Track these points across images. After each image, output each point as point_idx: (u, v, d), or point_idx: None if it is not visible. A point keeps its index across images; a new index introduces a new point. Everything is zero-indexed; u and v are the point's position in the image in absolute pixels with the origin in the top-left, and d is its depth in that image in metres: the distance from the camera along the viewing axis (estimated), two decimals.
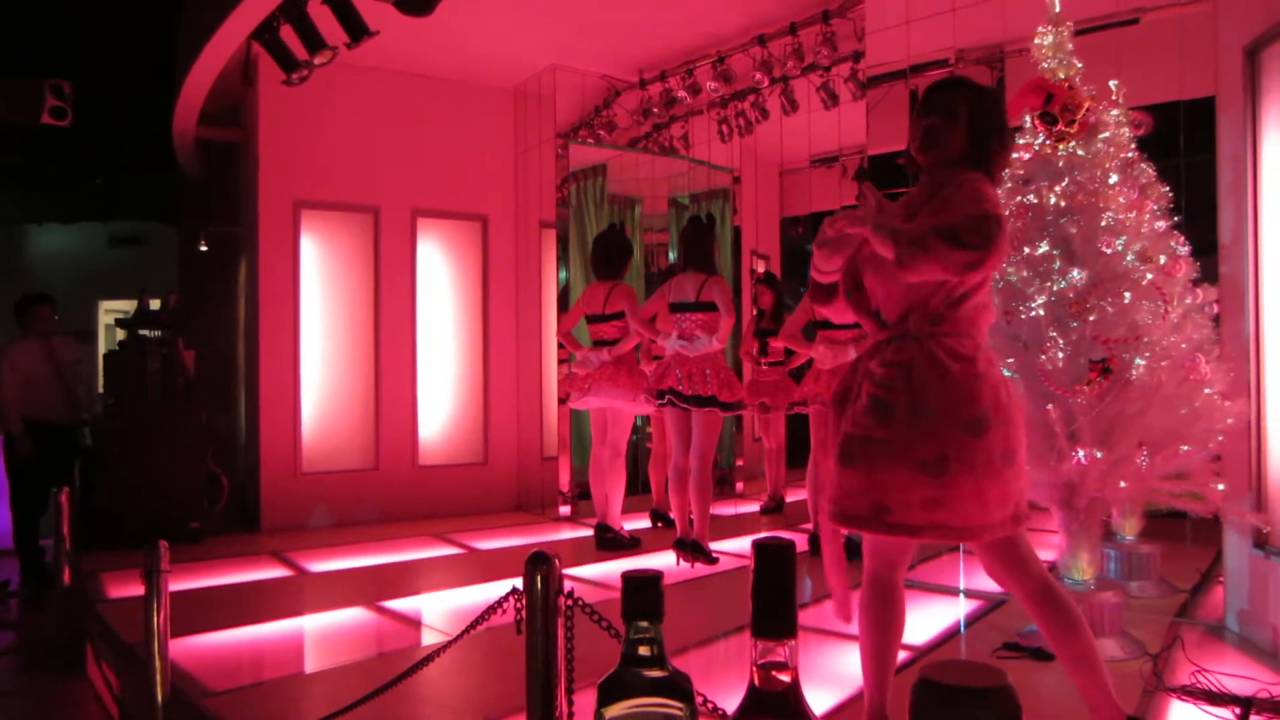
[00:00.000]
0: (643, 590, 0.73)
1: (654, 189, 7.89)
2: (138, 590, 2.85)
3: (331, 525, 6.57)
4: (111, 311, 12.02)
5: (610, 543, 5.56)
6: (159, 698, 2.83)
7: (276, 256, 6.61)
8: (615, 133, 7.69)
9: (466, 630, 2.05)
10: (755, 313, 6.78)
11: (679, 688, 0.73)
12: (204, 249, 8.29)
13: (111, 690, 3.55)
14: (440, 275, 7.24)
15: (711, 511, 5.17)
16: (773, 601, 0.73)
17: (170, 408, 6.10)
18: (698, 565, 5.02)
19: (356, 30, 5.02)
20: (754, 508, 7.13)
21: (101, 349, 11.11)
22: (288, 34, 5.28)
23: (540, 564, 1.72)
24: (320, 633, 4.18)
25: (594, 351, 5.53)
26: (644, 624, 0.74)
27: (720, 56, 6.67)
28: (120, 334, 6.39)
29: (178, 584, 4.67)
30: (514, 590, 1.80)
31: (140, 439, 5.88)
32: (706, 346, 4.96)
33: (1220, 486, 3.41)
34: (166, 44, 7.57)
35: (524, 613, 1.72)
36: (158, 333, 6.24)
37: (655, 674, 0.73)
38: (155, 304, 6.76)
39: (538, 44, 6.66)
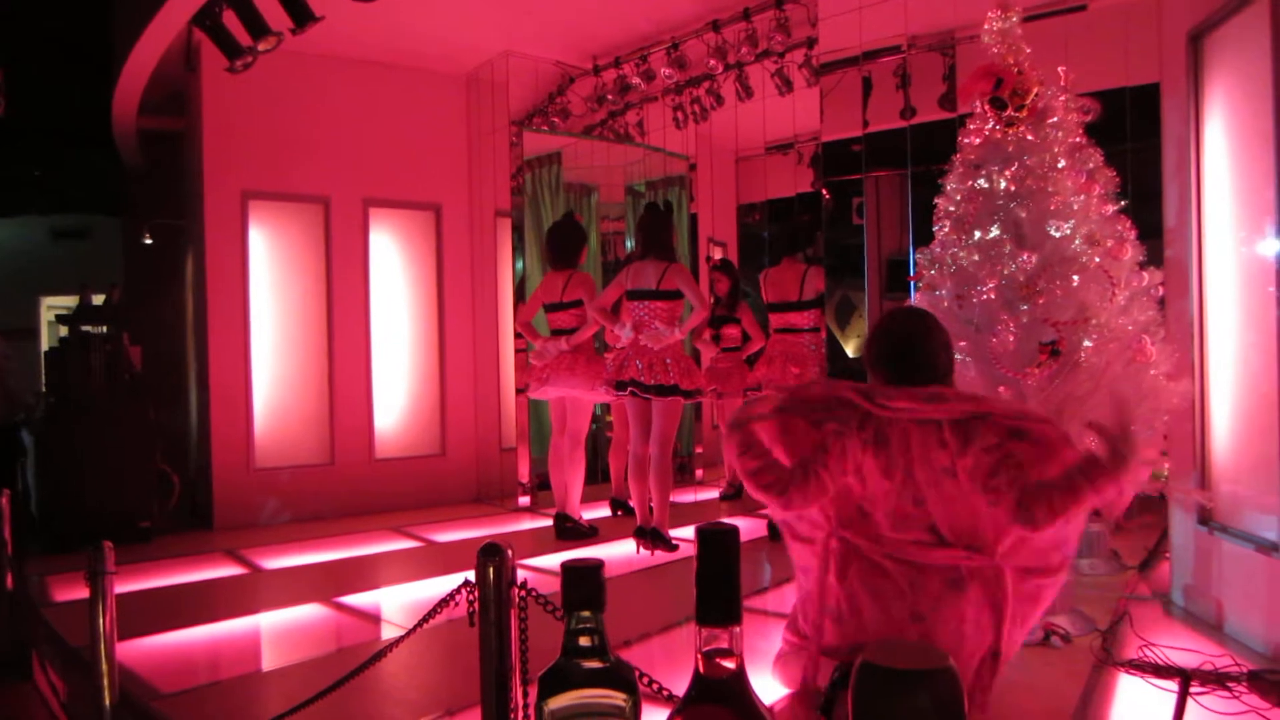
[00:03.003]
0: (583, 580, 0.72)
1: (610, 176, 7.86)
2: (84, 593, 2.78)
3: (285, 521, 6.47)
4: (54, 308, 11.70)
5: (570, 532, 5.54)
6: (106, 702, 2.76)
7: (224, 249, 6.47)
8: (570, 120, 7.63)
9: (418, 625, 2.02)
10: (711, 300, 6.79)
11: (620, 678, 0.71)
12: (149, 242, 8.10)
13: (58, 697, 3.47)
14: (394, 266, 7.14)
15: (671, 499, 5.18)
16: (717, 588, 0.72)
17: (116, 405, 5.95)
18: (658, 553, 5.02)
19: (301, 15, 4.92)
20: (714, 494, 7.16)
21: (44, 346, 10.82)
22: (230, 19, 5.16)
23: (492, 556, 1.70)
24: (276, 630, 4.12)
25: (552, 341, 5.50)
26: (585, 614, 0.72)
27: (674, 42, 6.64)
28: (63, 330, 6.22)
29: (128, 585, 4.58)
30: (466, 583, 1.77)
31: (85, 437, 5.73)
32: (668, 337, 4.94)
33: (1166, 465, 3.49)
34: (104, 30, 7.36)
35: (476, 605, 1.70)
36: (102, 328, 6.08)
37: (595, 665, 0.71)
38: (98, 299, 6.60)
39: (489, 30, 6.58)
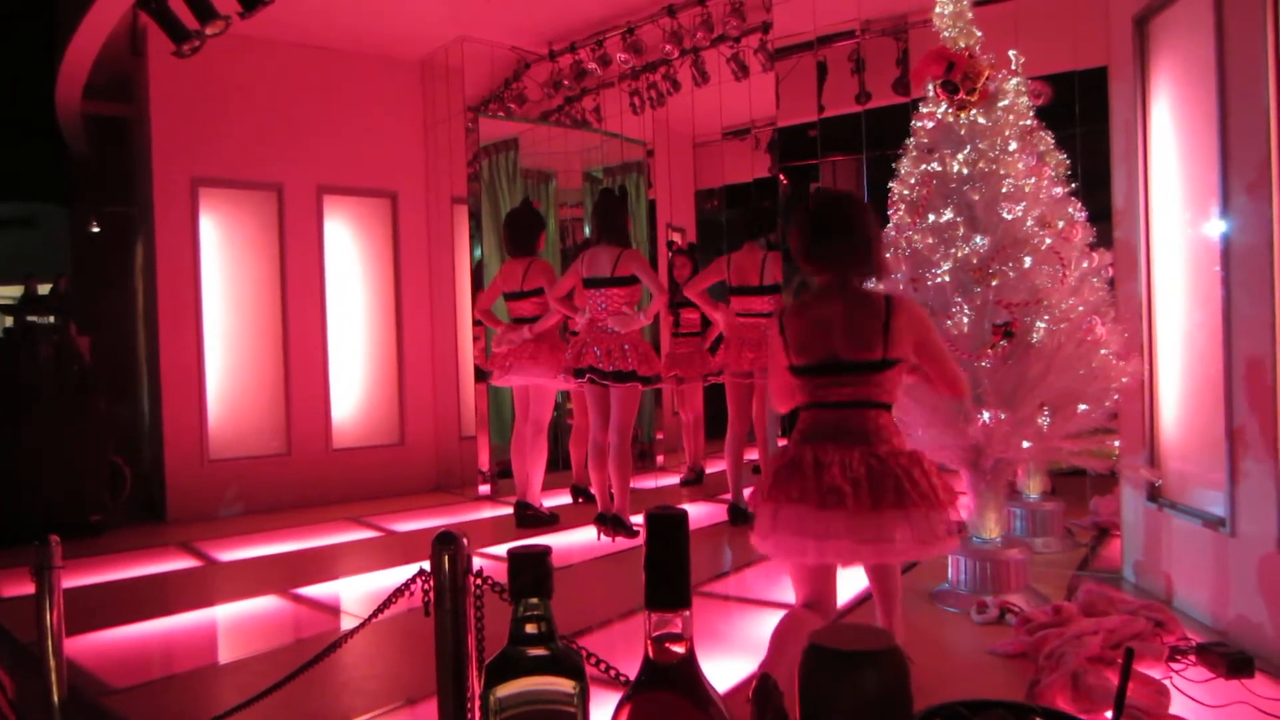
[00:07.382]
0: (529, 566, 0.71)
1: (568, 163, 7.81)
2: (32, 589, 2.72)
3: (241, 513, 6.37)
4: None
5: (530, 520, 5.53)
6: (55, 698, 2.71)
7: (174, 237, 6.33)
8: (526, 106, 7.56)
9: (373, 615, 2.00)
10: (670, 286, 6.79)
11: (567, 664, 0.71)
12: (97, 230, 7.92)
13: (6, 694, 3.39)
14: (349, 254, 7.05)
15: (632, 485, 5.18)
16: (665, 572, 0.71)
17: (65, 396, 5.82)
18: (619, 539, 5.03)
19: None
20: (674, 480, 7.18)
21: None
22: (176, 3, 5.03)
23: (447, 544, 1.68)
24: (232, 623, 4.06)
25: (514, 329, 5.47)
26: (533, 600, 0.72)
27: (630, 28, 6.61)
28: (8, 321, 6.06)
29: (80, 580, 4.49)
30: (421, 572, 1.76)
31: (34, 430, 5.60)
32: (634, 321, 4.94)
33: (1116, 443, 3.55)
34: (47, 13, 7.15)
35: (432, 594, 1.68)
36: (49, 318, 5.94)
37: (541, 652, 0.71)
38: (44, 289, 6.44)
39: (444, 14, 6.49)
